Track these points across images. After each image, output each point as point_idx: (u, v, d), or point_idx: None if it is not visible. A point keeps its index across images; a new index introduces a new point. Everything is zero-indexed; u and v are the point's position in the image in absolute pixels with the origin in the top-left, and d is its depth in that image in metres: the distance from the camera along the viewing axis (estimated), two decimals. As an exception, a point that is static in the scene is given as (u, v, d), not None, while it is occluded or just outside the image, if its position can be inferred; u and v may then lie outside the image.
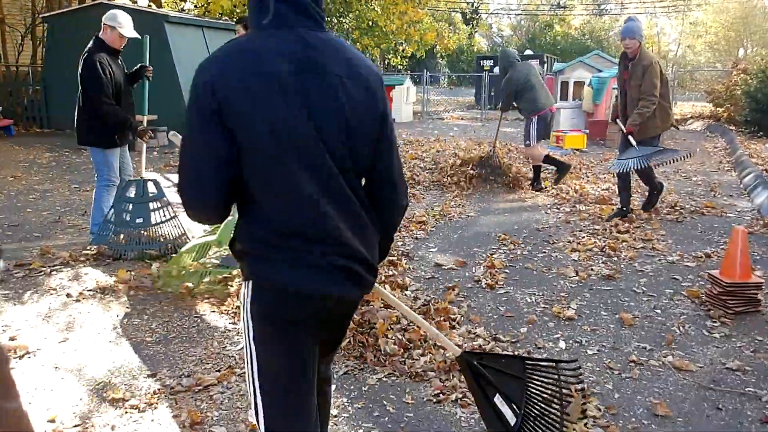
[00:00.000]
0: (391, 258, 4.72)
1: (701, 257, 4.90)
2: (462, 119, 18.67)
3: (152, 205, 4.90)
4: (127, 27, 4.83)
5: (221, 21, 14.72)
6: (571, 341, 3.46)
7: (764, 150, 10.17)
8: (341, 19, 18.91)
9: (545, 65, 22.43)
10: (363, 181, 1.66)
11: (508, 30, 48.98)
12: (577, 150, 10.93)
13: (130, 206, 4.86)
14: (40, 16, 13.74)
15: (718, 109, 15.84)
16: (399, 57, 23.61)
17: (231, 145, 1.45)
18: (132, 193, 4.91)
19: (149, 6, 14.15)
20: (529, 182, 7.74)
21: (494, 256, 4.98)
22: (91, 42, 4.83)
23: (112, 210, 4.84)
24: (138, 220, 4.84)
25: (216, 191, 1.50)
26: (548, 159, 7.56)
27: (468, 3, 39.86)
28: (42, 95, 13.11)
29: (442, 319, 3.62)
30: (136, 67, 5.08)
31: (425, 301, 3.87)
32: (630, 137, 5.58)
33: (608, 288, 4.28)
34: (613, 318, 3.77)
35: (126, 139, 5.09)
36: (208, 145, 1.46)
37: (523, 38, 46.07)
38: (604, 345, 3.40)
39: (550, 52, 33.80)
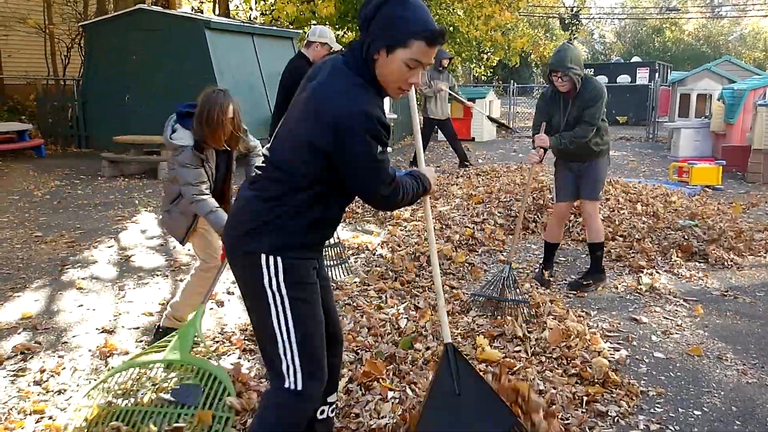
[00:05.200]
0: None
1: None
2: (555, 138, 15.95)
3: None
4: (333, 41, 4.84)
5: (275, 28, 13.05)
6: None
7: None
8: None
9: (656, 74, 19.29)
10: None
11: (611, 35, 45.20)
12: (709, 187, 8.18)
13: None
14: (78, 24, 12.59)
15: None
16: (482, 66, 21.09)
17: None
18: None
19: (194, 10, 12.70)
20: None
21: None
22: (295, 56, 4.93)
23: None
24: None
25: None
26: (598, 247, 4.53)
27: (567, 7, 36.72)
28: (80, 111, 11.81)
29: None
30: None
31: None
32: None
33: None
34: None
35: None
36: None
37: (628, 44, 42.35)
38: None
39: (659, 59, 30.24)
